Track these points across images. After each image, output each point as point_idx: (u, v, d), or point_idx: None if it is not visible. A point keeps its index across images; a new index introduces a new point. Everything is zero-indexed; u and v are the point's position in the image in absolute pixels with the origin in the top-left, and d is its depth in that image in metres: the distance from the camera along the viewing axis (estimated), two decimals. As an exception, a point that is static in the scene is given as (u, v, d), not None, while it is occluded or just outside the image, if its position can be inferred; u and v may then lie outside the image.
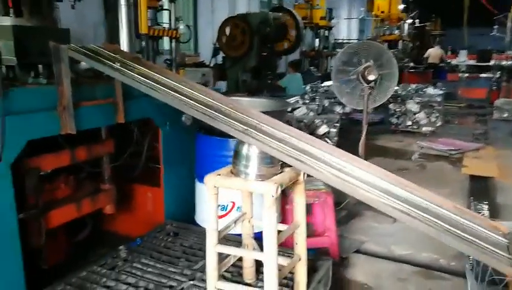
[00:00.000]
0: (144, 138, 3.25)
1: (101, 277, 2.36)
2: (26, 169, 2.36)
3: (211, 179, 1.96)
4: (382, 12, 14.47)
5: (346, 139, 6.26)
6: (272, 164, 1.97)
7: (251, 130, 1.93)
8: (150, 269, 2.45)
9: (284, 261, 2.11)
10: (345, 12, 19.45)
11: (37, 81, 2.43)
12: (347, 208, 4.07)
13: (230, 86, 8.65)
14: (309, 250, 2.97)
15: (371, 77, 3.78)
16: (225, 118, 1.99)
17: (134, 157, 3.29)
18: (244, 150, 1.96)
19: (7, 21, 2.50)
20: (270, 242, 1.85)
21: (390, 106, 8.20)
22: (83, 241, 3.11)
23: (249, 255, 2.11)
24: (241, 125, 1.95)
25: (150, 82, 2.23)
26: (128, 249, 2.63)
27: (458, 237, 1.60)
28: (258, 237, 2.09)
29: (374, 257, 3.33)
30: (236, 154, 1.99)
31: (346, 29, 19.84)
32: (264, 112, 2.26)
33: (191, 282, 2.32)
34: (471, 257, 2.21)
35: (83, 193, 2.80)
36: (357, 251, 3.42)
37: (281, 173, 1.98)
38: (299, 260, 2.14)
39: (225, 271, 2.43)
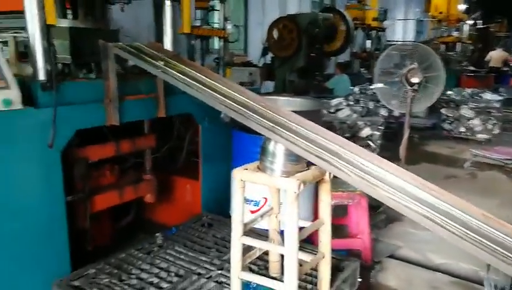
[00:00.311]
0: (186, 132, 3.42)
1: (137, 260, 2.52)
2: (76, 158, 2.58)
3: (238, 172, 2.05)
4: (440, 13, 13.84)
5: (395, 143, 6.11)
6: (297, 161, 2.01)
7: (278, 127, 2.00)
8: (182, 256, 2.58)
9: (306, 257, 2.15)
10: (401, 13, 18.85)
11: (87, 76, 2.65)
12: (386, 212, 4.00)
13: (277, 85, 8.72)
14: (340, 251, 3.00)
15: (415, 80, 3.69)
16: (253, 114, 2.07)
17: (177, 150, 3.47)
18: (271, 146, 2.02)
19: (64, 23, 2.73)
20: (291, 236, 1.90)
21: (443, 110, 7.89)
22: (126, 227, 3.33)
23: (271, 248, 2.17)
24: (269, 123, 2.02)
25: (188, 80, 2.35)
26: (164, 237, 2.79)
27: (481, 244, 1.57)
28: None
29: (409, 263, 3.27)
30: (263, 150, 2.05)
31: (401, 30, 19.22)
32: (298, 111, 2.32)
33: (219, 271, 2.43)
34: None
35: (126, 182, 3.00)
36: (391, 256, 3.37)
37: (306, 170, 2.03)
38: (323, 257, 2.16)
39: (252, 264, 2.52)
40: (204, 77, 2.42)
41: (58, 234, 2.37)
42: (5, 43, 2.93)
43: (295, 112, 2.34)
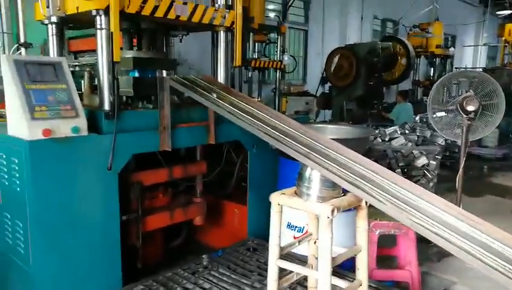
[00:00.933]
0: (237, 159, 3.58)
1: (182, 279, 2.67)
2: (131, 182, 2.83)
3: (275, 197, 2.14)
4: (514, 37, 13.17)
5: (456, 173, 5.84)
6: (333, 187, 2.06)
7: (313, 153, 2.07)
8: (224, 278, 2.68)
9: (343, 283, 2.15)
10: (471, 39, 18.07)
11: (145, 106, 2.91)
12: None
13: (334, 114, 8.74)
14: (387, 282, 2.93)
15: (470, 108, 3.57)
16: (291, 141, 2.16)
17: (227, 176, 3.63)
18: (307, 172, 2.09)
19: (129, 54, 3.04)
20: (324, 261, 1.93)
21: (514, 140, 7.39)
22: (178, 248, 3.52)
23: (305, 272, 2.19)
24: (305, 149, 2.09)
25: (234, 109, 2.51)
26: (209, 259, 2.91)
27: (518, 277, 1.50)
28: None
29: (463, 301, 3.08)
30: (300, 176, 2.13)
31: (471, 56, 18.36)
32: (340, 139, 2.37)
33: (259, 294, 2.49)
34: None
35: (177, 204, 3.19)
36: (444, 292, 3.20)
37: (342, 196, 2.06)
38: (360, 285, 2.15)
39: (292, 289, 2.56)
40: (249, 107, 2.56)
41: (112, 250, 2.58)
42: (83, 76, 3.34)
43: (338, 139, 2.40)
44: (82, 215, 2.44)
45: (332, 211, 1.91)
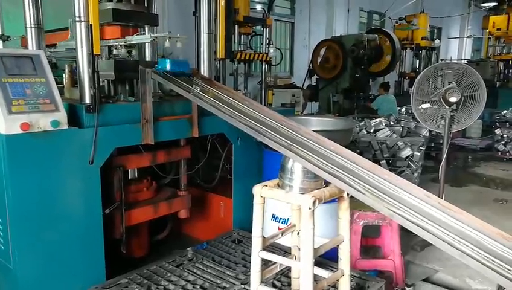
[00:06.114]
0: (223, 151, 3.57)
1: (167, 272, 2.66)
2: (114, 166, 2.79)
3: (257, 189, 2.14)
4: (498, 29, 13.35)
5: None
6: (315, 179, 2.07)
7: (295, 145, 2.07)
8: (209, 270, 2.68)
9: (326, 274, 2.17)
10: (456, 31, 18.23)
11: (127, 99, 2.88)
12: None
13: (322, 106, 8.77)
14: (371, 271, 2.97)
15: (453, 99, 3.60)
16: (272, 133, 2.16)
17: (213, 169, 3.62)
18: (289, 164, 2.10)
19: (109, 5, 2.95)
20: (307, 252, 1.95)
21: (497, 131, 7.50)
22: (165, 241, 3.51)
23: (288, 263, 2.21)
24: (286, 141, 2.10)
25: (215, 101, 2.50)
26: (194, 251, 2.91)
27: (493, 264, 1.53)
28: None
29: (445, 288, 3.13)
30: (282, 168, 2.13)
31: (457, 48, 18.54)
32: (323, 131, 2.37)
33: (243, 286, 2.50)
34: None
35: (161, 197, 3.18)
36: (427, 280, 3.25)
37: (324, 187, 2.07)
38: (342, 275, 2.18)
39: (277, 280, 2.58)
40: (231, 99, 2.57)
41: (95, 244, 2.56)
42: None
43: (320, 131, 2.41)
44: (63, 210, 2.41)
45: (314, 202, 1.92)
